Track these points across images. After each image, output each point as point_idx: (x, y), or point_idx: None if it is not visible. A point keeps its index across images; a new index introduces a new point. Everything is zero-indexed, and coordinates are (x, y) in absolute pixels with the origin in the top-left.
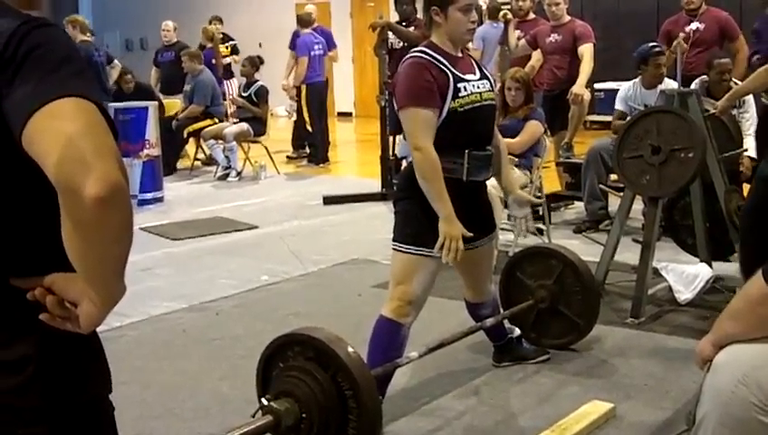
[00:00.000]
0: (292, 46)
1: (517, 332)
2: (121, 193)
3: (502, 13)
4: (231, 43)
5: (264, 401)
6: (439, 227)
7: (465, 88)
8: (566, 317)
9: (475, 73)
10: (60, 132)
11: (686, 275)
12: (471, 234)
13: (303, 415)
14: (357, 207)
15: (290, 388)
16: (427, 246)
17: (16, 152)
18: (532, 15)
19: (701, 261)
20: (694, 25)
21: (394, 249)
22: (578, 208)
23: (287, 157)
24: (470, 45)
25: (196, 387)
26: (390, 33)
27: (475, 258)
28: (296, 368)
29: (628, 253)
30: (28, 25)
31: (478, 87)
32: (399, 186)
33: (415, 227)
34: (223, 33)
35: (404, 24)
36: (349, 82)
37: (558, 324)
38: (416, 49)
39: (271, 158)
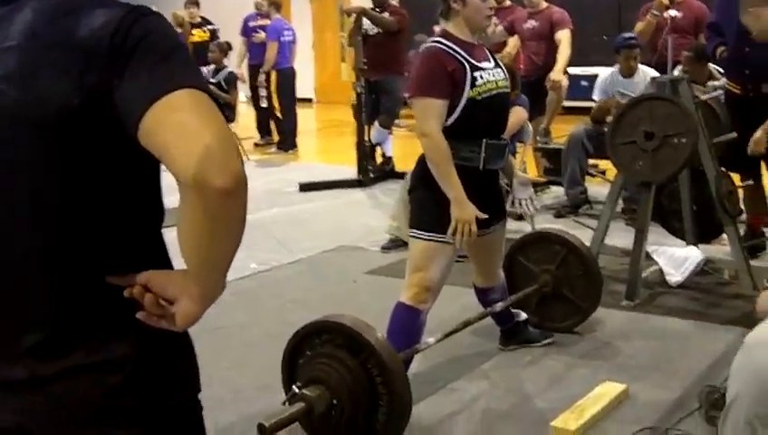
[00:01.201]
0: (244, 33)
1: (523, 315)
2: (246, 185)
3: None
4: (210, 27)
5: (296, 389)
6: (451, 212)
7: (481, 76)
8: (569, 301)
9: (489, 61)
10: (182, 124)
11: (676, 257)
12: (485, 215)
13: (335, 401)
14: (333, 193)
15: (320, 375)
16: (440, 232)
17: (121, 146)
18: (508, 2)
19: (688, 244)
20: (672, 12)
21: (412, 236)
22: (555, 193)
23: (254, 144)
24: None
25: (205, 377)
26: (365, 20)
27: (488, 244)
28: (325, 355)
29: (614, 237)
30: (135, 13)
31: (494, 75)
32: (414, 174)
33: (432, 214)
34: (201, 18)
35: (378, 10)
36: (309, 68)
37: (561, 308)
38: (432, 39)
39: (241, 144)
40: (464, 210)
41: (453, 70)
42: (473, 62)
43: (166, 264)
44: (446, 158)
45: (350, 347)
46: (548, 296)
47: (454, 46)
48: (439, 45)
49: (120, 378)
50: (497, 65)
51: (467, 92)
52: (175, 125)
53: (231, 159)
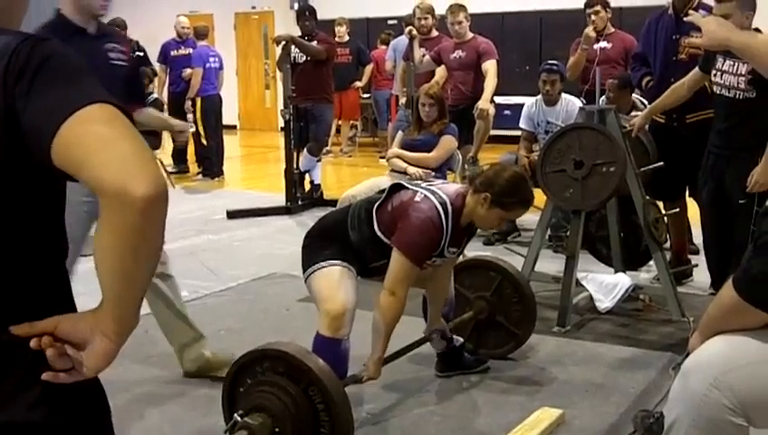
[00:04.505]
0: (163, 60)
1: (460, 340)
2: (166, 194)
3: (407, 29)
4: (136, 54)
5: (238, 417)
6: (369, 365)
7: (434, 261)
8: (504, 327)
9: (458, 247)
10: (100, 135)
11: (605, 284)
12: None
13: (277, 429)
14: (262, 221)
15: (262, 403)
16: (335, 259)
17: (23, 174)
18: (435, 33)
19: (616, 271)
20: (601, 44)
21: (308, 276)
22: None
23: (166, 171)
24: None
25: (143, 408)
26: (294, 48)
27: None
28: (267, 383)
29: (543, 264)
30: (32, 39)
31: (445, 257)
32: (313, 233)
33: (321, 251)
34: (131, 41)
35: (306, 38)
36: (233, 95)
37: (496, 335)
38: (444, 202)
39: (166, 171)
40: (378, 370)
41: (435, 246)
42: (445, 247)
43: (69, 303)
44: (394, 322)
45: (292, 375)
46: (483, 323)
47: (450, 228)
48: (443, 221)
49: None
50: (463, 247)
51: None
52: (91, 136)
53: (151, 166)
